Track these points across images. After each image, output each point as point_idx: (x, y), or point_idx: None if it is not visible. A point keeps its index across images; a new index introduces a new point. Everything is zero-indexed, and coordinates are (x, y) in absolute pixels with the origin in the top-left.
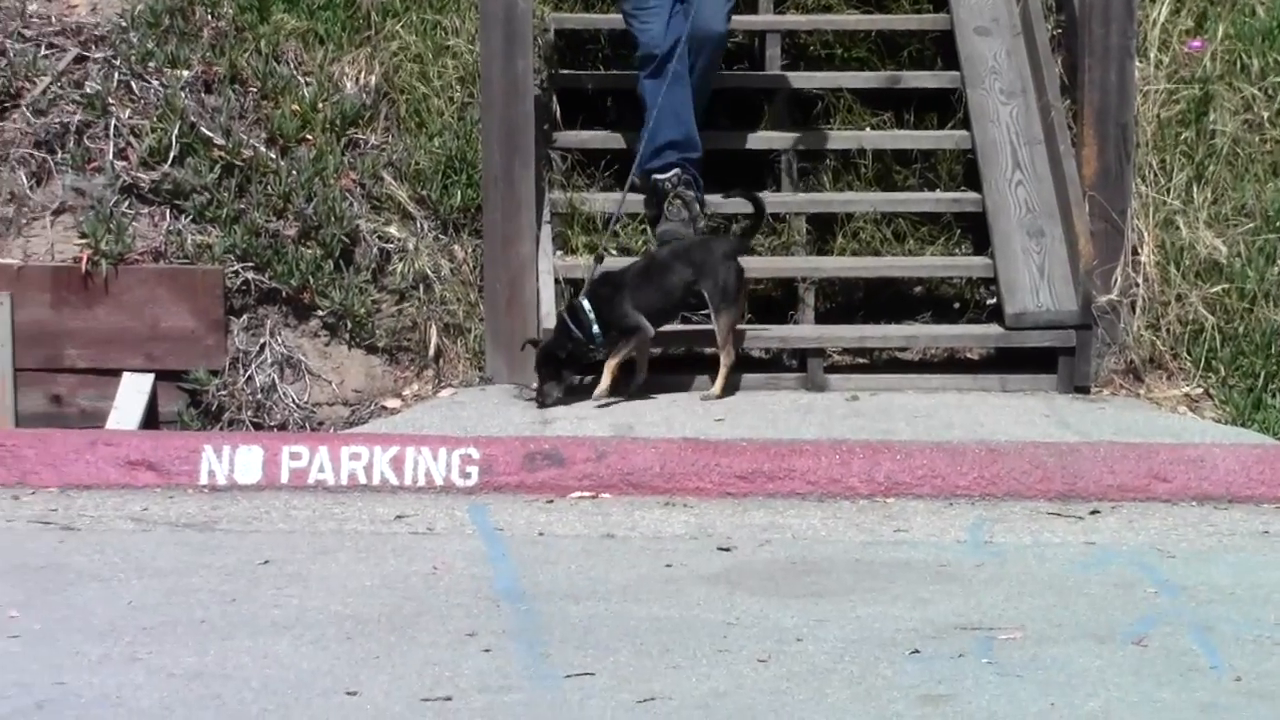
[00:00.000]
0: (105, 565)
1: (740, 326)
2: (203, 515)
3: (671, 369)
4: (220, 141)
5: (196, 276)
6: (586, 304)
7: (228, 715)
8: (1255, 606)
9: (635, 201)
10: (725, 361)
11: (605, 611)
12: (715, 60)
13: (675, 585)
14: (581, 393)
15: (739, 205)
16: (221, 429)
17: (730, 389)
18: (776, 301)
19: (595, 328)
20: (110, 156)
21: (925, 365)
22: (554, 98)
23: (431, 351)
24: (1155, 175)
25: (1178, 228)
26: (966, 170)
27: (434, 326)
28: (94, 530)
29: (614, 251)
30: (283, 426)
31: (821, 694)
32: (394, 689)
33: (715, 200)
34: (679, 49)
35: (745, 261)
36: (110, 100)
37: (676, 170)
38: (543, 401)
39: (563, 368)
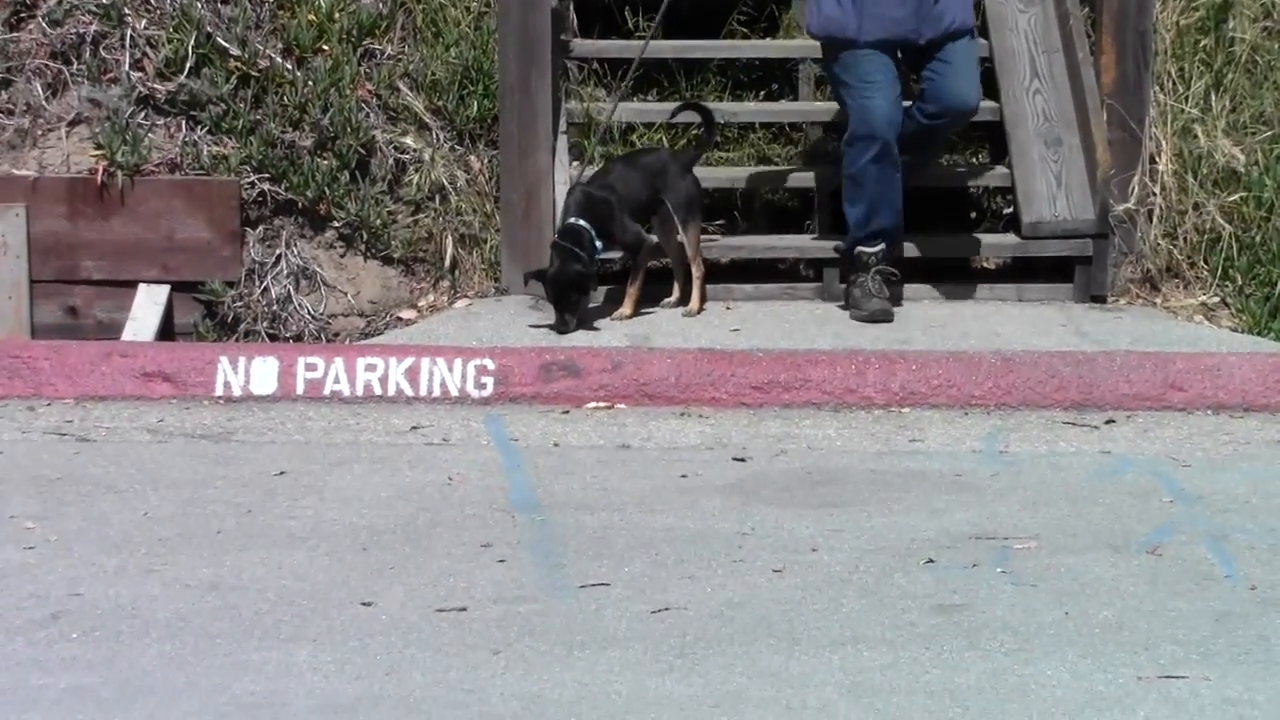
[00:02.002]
0: (121, 476)
1: (748, 239)
2: (218, 426)
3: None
4: (236, 52)
5: (212, 188)
6: (584, 223)
7: (243, 626)
8: (1270, 515)
9: (645, 111)
10: (698, 274)
11: (620, 522)
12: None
13: (690, 496)
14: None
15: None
16: (237, 340)
17: (704, 298)
18: (793, 211)
19: (598, 244)
20: (126, 67)
21: (941, 274)
22: (570, 6)
23: (447, 262)
24: (1173, 83)
25: (1195, 136)
26: (984, 78)
27: (450, 237)
28: (110, 442)
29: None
30: (298, 338)
31: (836, 604)
32: (409, 600)
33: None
34: (898, 133)
35: (761, 170)
36: (126, 10)
37: (883, 247)
38: (564, 329)
39: (578, 294)
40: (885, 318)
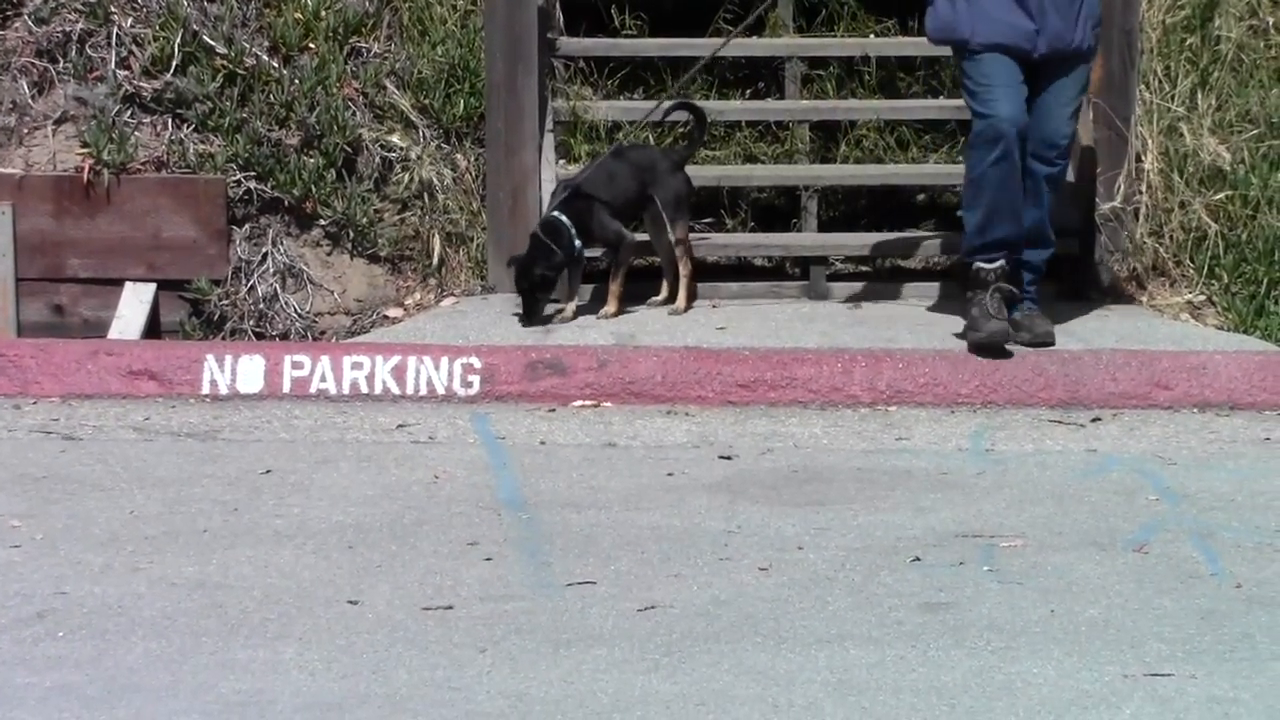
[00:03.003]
0: (107, 475)
1: (735, 237)
2: (205, 425)
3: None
4: (222, 50)
5: (199, 186)
6: (565, 219)
7: (229, 624)
8: (1256, 513)
9: (631, 109)
10: (685, 271)
11: (606, 520)
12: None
13: (677, 494)
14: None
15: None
16: (223, 339)
17: (692, 297)
18: (779, 210)
19: (577, 242)
20: (112, 65)
21: (928, 274)
22: (557, 5)
23: (434, 260)
24: (1159, 82)
25: (1181, 135)
26: None
27: (436, 236)
28: (96, 440)
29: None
30: (285, 336)
31: (823, 602)
32: (396, 598)
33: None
34: (1020, 136)
35: (748, 170)
36: (112, 8)
37: (1002, 263)
38: (528, 321)
39: (544, 288)
40: (1001, 341)
